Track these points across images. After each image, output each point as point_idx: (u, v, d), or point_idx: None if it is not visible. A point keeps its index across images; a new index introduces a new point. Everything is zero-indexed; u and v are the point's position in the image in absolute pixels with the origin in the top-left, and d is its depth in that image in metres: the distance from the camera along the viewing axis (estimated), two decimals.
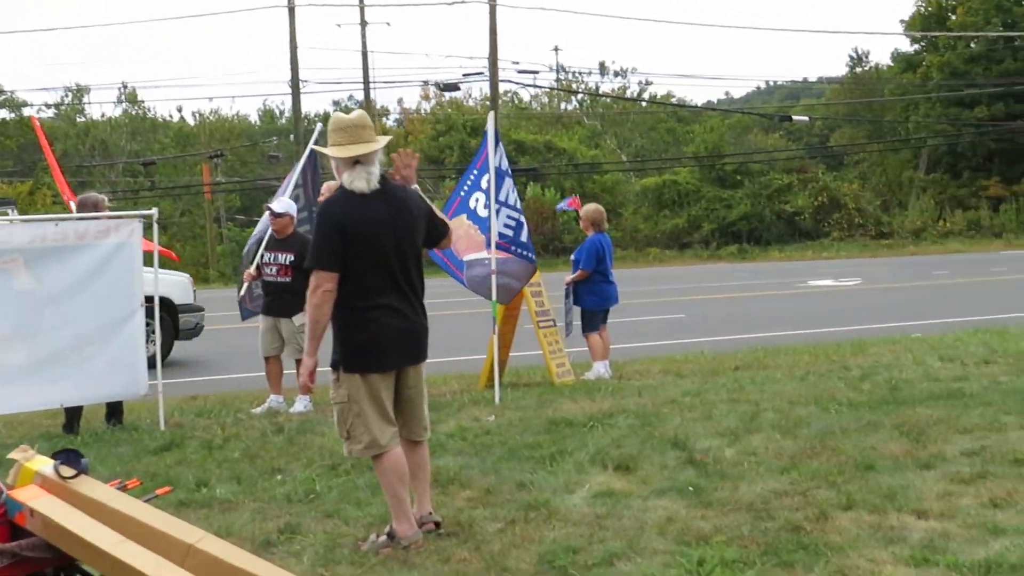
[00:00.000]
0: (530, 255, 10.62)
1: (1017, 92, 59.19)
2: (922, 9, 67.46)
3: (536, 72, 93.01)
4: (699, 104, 79.90)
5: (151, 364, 9.84)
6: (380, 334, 5.70)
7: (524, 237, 10.57)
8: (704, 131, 63.35)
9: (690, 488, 6.49)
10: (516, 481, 6.87)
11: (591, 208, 13.00)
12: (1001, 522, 5.56)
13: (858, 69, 73.08)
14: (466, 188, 10.76)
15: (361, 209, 5.68)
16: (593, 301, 12.51)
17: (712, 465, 7.07)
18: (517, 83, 70.73)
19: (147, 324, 9.82)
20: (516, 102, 76.07)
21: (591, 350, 12.43)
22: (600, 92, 77.47)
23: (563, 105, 78.56)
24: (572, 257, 13.00)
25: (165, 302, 14.80)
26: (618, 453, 7.48)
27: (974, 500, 6.00)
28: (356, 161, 5.71)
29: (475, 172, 10.77)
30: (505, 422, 9.02)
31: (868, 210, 57.73)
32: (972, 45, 62.17)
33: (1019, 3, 63.25)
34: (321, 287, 5.62)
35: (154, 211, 9.83)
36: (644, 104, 76.05)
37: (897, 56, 69.56)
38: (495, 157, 10.54)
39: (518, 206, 10.78)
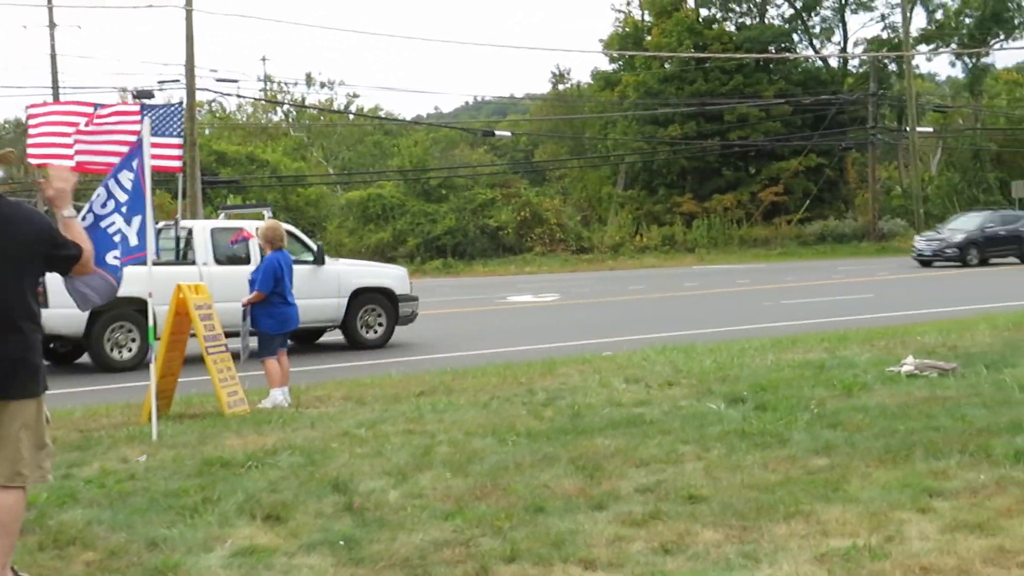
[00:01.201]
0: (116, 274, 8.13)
1: (708, 112, 61.79)
2: (619, 29, 69.64)
3: (236, 81, 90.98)
4: (407, 118, 79.88)
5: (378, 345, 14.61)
6: None
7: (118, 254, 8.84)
8: (410, 144, 63.16)
9: (342, 542, 5.82)
10: (149, 538, 6.02)
11: (266, 225, 12.22)
12: (671, 571, 5.16)
13: (560, 86, 74.64)
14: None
15: None
16: (271, 324, 11.72)
17: (372, 511, 6.43)
18: (216, 92, 68.81)
19: (373, 310, 14.77)
20: (218, 112, 73.90)
21: (268, 376, 11.61)
22: (306, 104, 76.30)
23: (269, 116, 76.87)
24: (249, 277, 12.16)
25: (387, 292, 18.27)
26: (271, 500, 6.73)
27: (645, 545, 5.58)
28: None
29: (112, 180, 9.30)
30: (156, 463, 8.12)
31: (569, 225, 58.82)
32: (666, 65, 64.48)
33: (710, 27, 66.12)
34: None
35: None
36: (351, 117, 75.36)
37: (596, 74, 71.47)
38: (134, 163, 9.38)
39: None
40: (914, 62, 68.34)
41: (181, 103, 23.09)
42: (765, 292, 28.48)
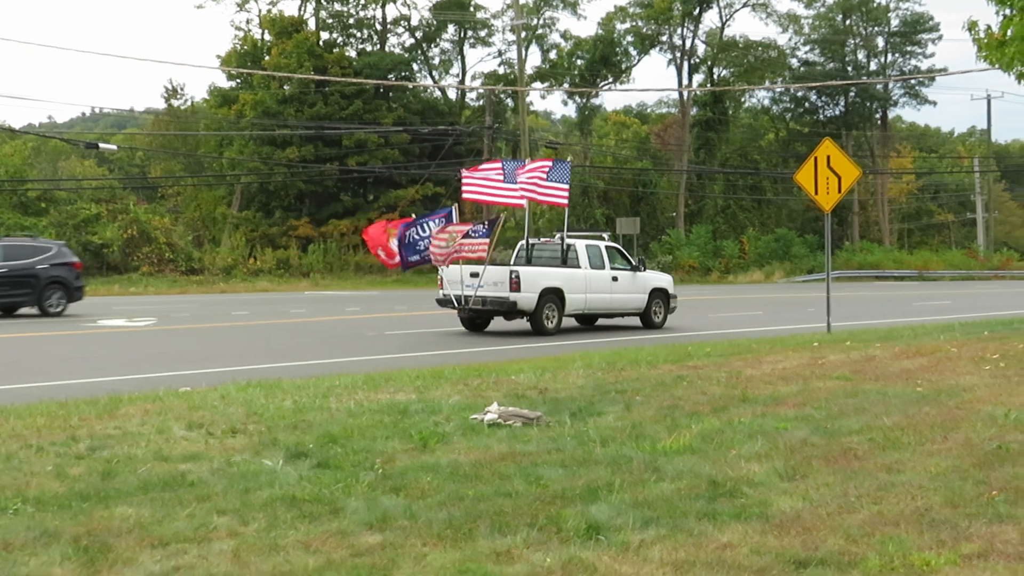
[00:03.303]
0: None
1: (327, 136, 60.93)
2: (239, 47, 67.68)
3: None
4: (16, 127, 74.39)
5: (659, 327, 25.11)
6: None
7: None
8: (9, 153, 58.59)
9: None
10: None
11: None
12: None
13: (174, 102, 71.65)
14: None
15: None
16: None
17: None
18: None
19: (658, 303, 25.15)
20: None
21: None
22: None
23: None
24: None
25: (664, 291, 26.30)
26: None
27: None
28: None
29: None
30: None
31: (180, 245, 56.27)
32: (285, 87, 63.18)
33: (330, 50, 65.33)
34: None
35: None
36: None
37: (214, 91, 69.16)
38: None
39: None
40: (529, 98, 70.37)
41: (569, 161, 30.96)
42: (373, 321, 27.71)
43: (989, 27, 15.37)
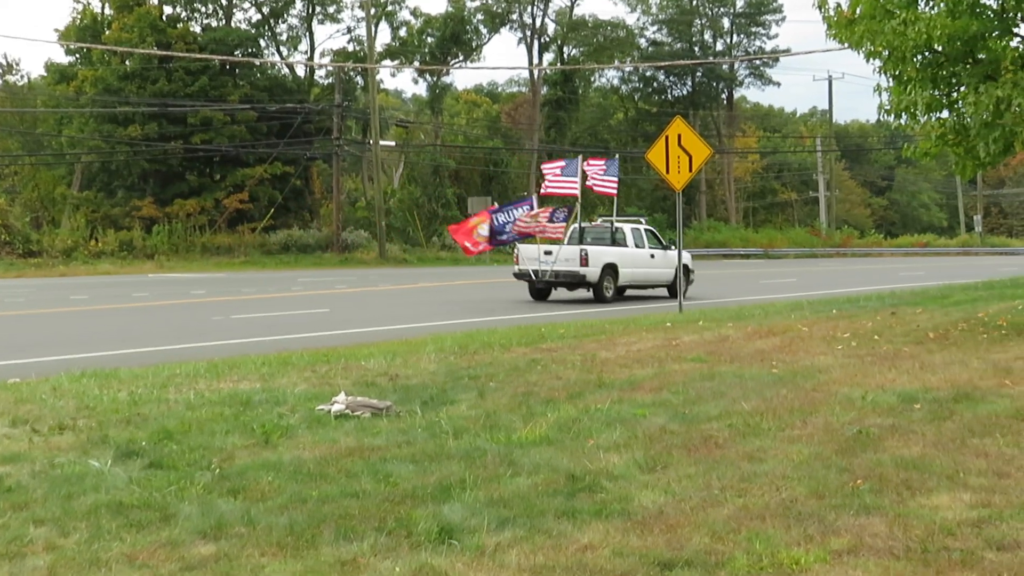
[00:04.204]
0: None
1: (171, 113, 59.18)
2: (78, 21, 65.21)
3: None
4: None
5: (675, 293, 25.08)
6: None
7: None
8: None
9: None
10: None
11: None
12: None
13: (10, 77, 68.79)
14: None
15: None
16: None
17: None
18: None
19: (682, 276, 24.97)
20: None
21: None
22: None
23: None
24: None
25: (686, 267, 28.54)
26: None
27: None
28: None
29: None
30: None
31: (16, 227, 54.03)
32: (127, 62, 61.15)
33: (173, 25, 63.47)
34: None
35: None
36: None
37: (51, 67, 66.57)
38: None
39: None
40: (379, 76, 69.53)
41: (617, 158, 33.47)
42: (219, 305, 26.82)
43: (839, 5, 15.36)
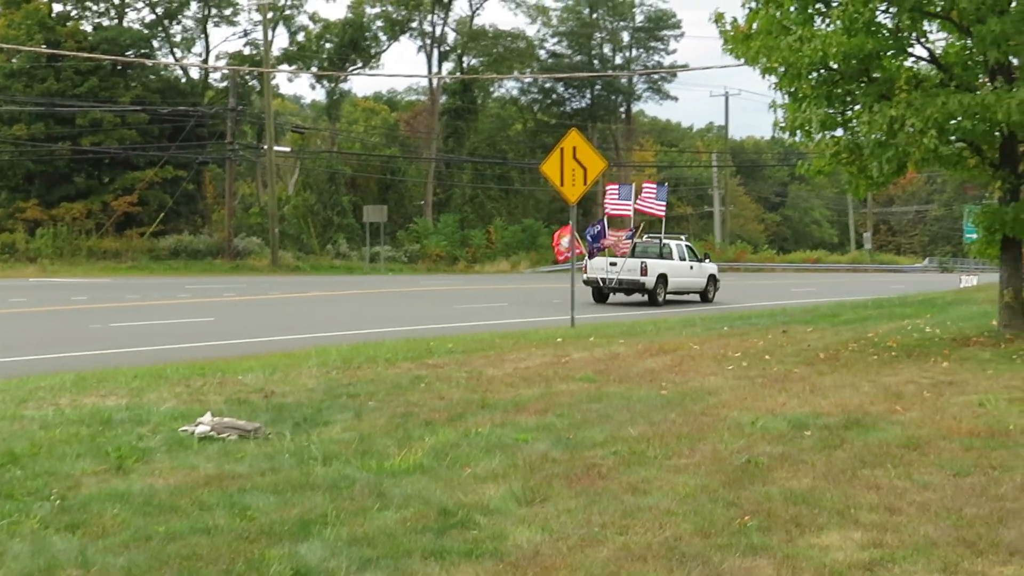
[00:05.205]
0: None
1: (59, 113, 57.57)
2: None
3: None
4: None
5: (711, 300, 36.04)
6: None
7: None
8: None
9: None
10: None
11: None
12: None
13: None
14: None
15: None
16: None
17: None
18: None
19: (711, 285, 36.34)
20: None
21: None
22: None
23: None
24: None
25: (714, 276, 36.91)
26: None
27: None
28: None
29: None
30: None
31: None
32: (13, 60, 59.34)
33: (63, 23, 61.84)
34: None
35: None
36: None
37: None
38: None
39: None
40: (275, 81, 68.64)
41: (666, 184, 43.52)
42: (100, 312, 25.88)
43: (735, 20, 15.20)
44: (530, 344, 16.61)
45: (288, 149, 71.80)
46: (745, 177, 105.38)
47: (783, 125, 15.56)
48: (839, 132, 15.67)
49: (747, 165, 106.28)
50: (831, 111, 15.30)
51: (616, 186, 36.64)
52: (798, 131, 15.39)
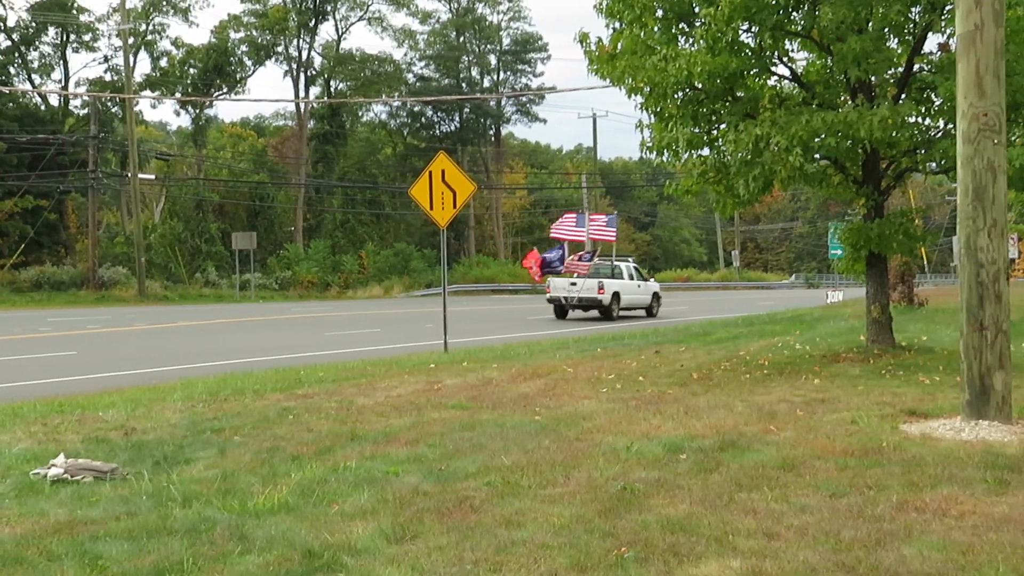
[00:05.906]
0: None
1: None
2: None
3: None
4: None
5: (654, 315, 40.77)
6: None
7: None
8: None
9: None
10: None
11: None
12: None
13: None
14: None
15: None
16: None
17: None
18: None
19: (655, 301, 41.58)
20: None
21: None
22: None
23: None
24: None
25: (656, 294, 42.25)
26: None
27: None
28: None
29: None
30: None
31: None
32: None
33: None
34: None
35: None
36: None
37: None
38: None
39: None
40: (139, 108, 67.22)
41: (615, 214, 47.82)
42: None
43: (600, 40, 15.17)
44: (402, 371, 16.32)
45: (153, 176, 70.34)
46: (615, 198, 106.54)
47: (650, 145, 15.59)
48: (706, 151, 15.74)
49: (616, 186, 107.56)
50: (697, 130, 15.37)
51: (574, 215, 41.80)
52: (665, 151, 15.43)
